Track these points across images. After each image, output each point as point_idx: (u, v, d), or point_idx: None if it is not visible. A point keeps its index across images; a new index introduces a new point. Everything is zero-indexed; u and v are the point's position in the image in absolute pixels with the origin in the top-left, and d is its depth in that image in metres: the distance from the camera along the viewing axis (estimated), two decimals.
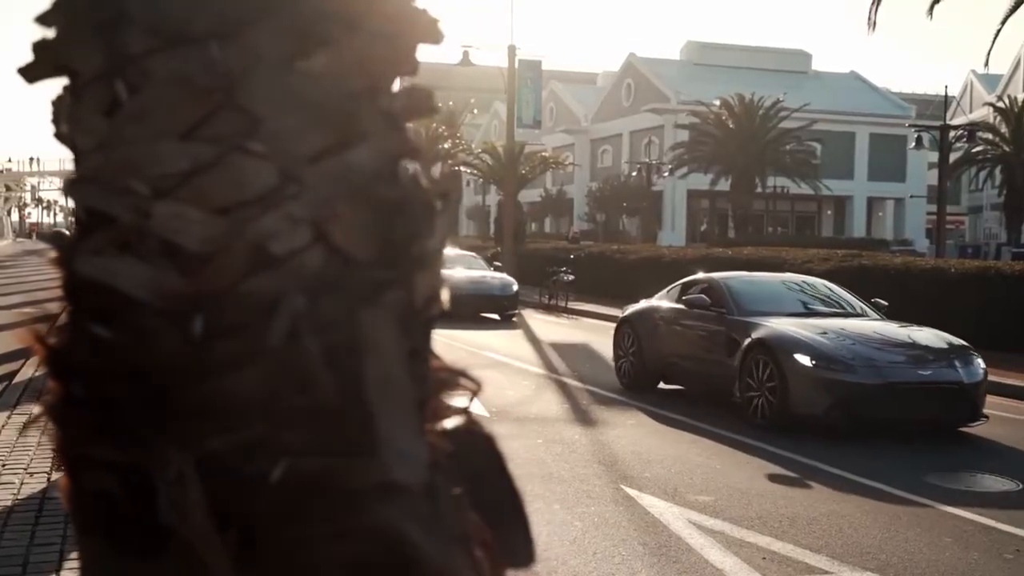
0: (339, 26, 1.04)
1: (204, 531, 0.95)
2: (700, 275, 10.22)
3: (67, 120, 1.04)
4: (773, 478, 6.01)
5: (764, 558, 4.47)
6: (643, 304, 10.38)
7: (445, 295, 1.14)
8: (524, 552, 1.17)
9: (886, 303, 9.62)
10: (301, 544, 1.00)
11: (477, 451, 1.17)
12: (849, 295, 9.85)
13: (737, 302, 8.87)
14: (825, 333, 7.98)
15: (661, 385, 9.74)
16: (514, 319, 17.98)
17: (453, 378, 1.16)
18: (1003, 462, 6.86)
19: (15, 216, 70.19)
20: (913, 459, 6.54)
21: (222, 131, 0.98)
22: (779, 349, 7.76)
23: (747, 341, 8.09)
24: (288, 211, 1.01)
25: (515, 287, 18.44)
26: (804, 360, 7.66)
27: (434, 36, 1.15)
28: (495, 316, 17.94)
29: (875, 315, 9.26)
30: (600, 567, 4.28)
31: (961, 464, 6.63)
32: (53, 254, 0.98)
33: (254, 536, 0.99)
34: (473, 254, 22.05)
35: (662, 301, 10.03)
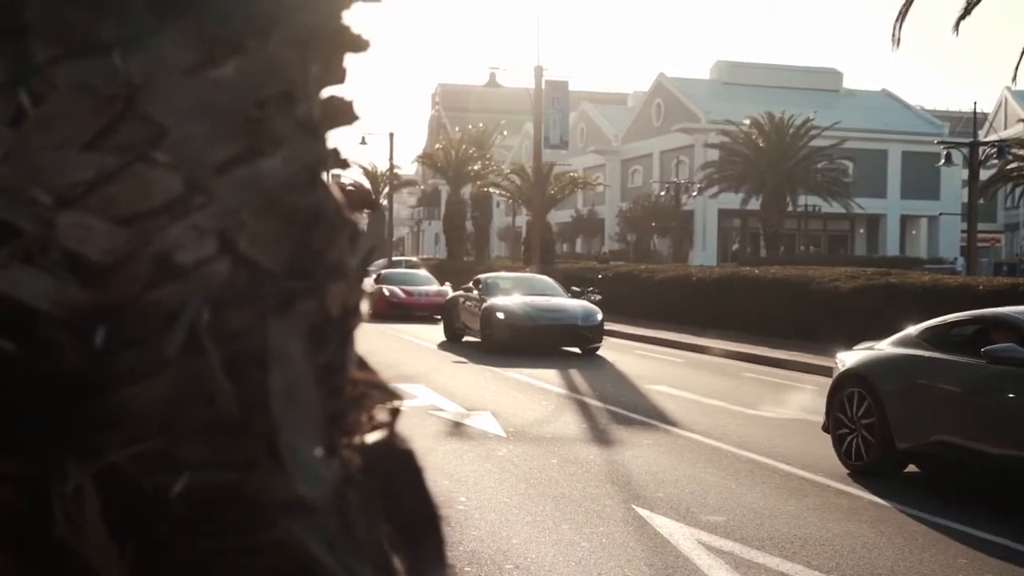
0: (250, 32, 1.03)
1: (100, 545, 0.93)
2: (974, 312, 7.19)
3: None
4: (788, 498, 5.93)
5: None
6: (878, 352, 6.97)
7: (366, 306, 1.12)
8: (438, 568, 1.14)
9: None
10: (204, 559, 0.98)
11: (395, 466, 1.14)
12: None
13: None
14: None
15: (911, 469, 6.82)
16: (598, 351, 15.01)
17: (373, 391, 1.14)
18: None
19: None
20: (928, 478, 6.43)
21: (126, 140, 0.97)
22: None
23: None
24: (194, 221, 0.99)
25: (599, 315, 15.14)
26: None
27: (358, 45, 1.13)
28: (575, 350, 14.95)
29: None
30: None
31: (976, 484, 6.50)
32: None
33: (157, 551, 0.98)
34: (545, 276, 18.55)
35: (914, 348, 6.71)
